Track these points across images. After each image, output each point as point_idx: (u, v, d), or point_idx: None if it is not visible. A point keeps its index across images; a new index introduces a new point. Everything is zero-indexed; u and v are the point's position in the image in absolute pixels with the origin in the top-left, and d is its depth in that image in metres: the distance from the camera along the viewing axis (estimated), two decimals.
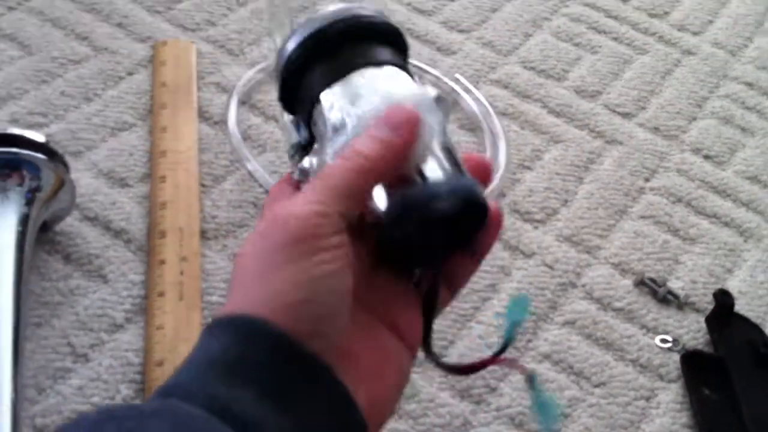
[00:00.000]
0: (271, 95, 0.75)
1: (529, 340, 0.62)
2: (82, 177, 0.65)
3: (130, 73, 0.75)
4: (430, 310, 0.43)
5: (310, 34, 0.42)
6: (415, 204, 0.39)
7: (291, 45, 0.43)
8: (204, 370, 0.34)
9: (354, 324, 0.39)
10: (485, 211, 0.41)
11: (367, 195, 0.39)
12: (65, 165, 0.60)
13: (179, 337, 0.55)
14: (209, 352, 0.35)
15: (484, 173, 0.43)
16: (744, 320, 0.65)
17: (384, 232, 0.40)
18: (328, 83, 0.42)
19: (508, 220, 0.69)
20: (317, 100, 0.42)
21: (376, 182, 0.39)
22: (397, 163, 0.39)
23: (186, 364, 0.35)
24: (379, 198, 0.39)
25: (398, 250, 0.42)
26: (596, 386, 0.60)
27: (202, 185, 0.67)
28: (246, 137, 0.71)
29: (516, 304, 0.44)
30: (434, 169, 0.40)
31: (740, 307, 0.66)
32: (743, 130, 0.82)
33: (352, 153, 0.39)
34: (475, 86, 0.79)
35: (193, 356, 0.35)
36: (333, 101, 0.41)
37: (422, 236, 0.40)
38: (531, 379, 0.43)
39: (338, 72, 0.42)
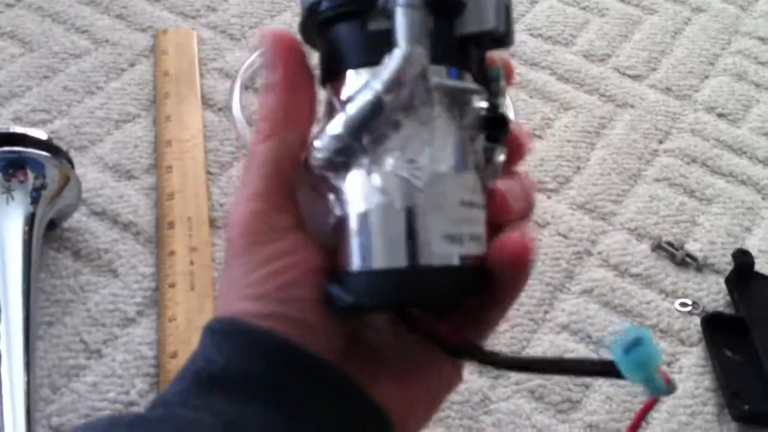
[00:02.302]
0: None
1: (546, 311, 0.61)
2: (88, 171, 0.65)
3: (132, 64, 0.74)
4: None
5: None
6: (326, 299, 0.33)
7: None
8: (206, 383, 0.32)
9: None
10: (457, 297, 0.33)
11: (293, 158, 0.34)
12: (69, 161, 0.60)
13: (192, 327, 0.55)
14: (211, 363, 0.32)
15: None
16: (765, 279, 0.64)
17: None
18: (359, 64, 0.32)
19: None
20: (341, 74, 0.33)
21: (292, 132, 0.33)
22: (292, 100, 0.34)
23: (185, 372, 0.32)
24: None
25: None
26: None
27: (209, 173, 0.66)
28: (251, 122, 0.70)
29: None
30: (350, 257, 0.32)
31: (760, 265, 0.65)
32: (757, 85, 0.80)
33: (257, 120, 0.34)
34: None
35: (193, 366, 0.33)
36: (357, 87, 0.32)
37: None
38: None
39: (377, 55, 0.32)
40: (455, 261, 0.32)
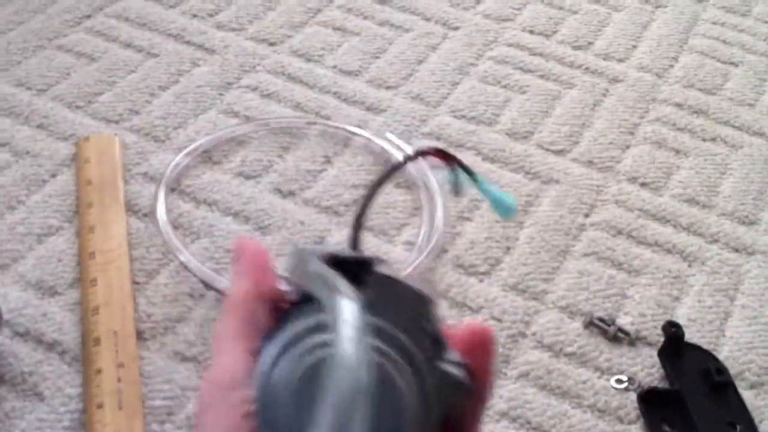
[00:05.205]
0: (201, 179, 0.74)
1: None
2: (10, 291, 0.64)
3: (53, 175, 0.73)
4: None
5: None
6: None
7: None
8: None
9: None
10: None
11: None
12: None
13: None
14: None
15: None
16: (696, 349, 0.64)
17: None
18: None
19: (452, 276, 0.69)
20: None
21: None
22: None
23: None
24: None
25: None
26: None
27: (136, 283, 0.65)
28: (177, 226, 0.70)
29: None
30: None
31: (691, 334, 0.65)
32: (677, 152, 0.82)
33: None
34: (407, 142, 0.79)
35: None
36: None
37: None
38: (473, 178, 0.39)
39: None
40: None
